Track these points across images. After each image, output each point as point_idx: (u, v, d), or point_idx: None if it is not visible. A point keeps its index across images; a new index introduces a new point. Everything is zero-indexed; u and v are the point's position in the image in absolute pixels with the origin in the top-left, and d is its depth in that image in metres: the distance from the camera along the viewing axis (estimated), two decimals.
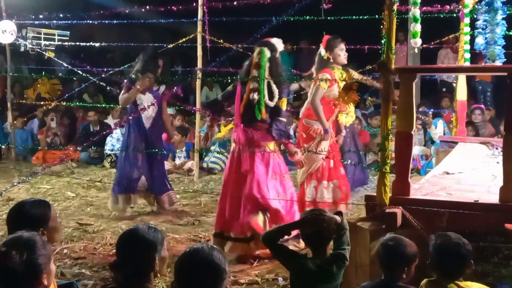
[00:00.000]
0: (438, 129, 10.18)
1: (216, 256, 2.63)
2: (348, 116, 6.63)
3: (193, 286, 2.60)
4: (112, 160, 10.49)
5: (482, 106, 10.93)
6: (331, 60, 6.46)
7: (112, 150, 10.62)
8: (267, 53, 5.66)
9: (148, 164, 7.28)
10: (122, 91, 7.20)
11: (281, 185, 5.75)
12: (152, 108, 7.08)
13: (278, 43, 5.78)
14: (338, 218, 3.53)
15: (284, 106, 5.73)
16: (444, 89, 12.38)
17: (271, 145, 5.74)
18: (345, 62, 6.57)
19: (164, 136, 11.18)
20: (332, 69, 6.44)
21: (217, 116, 6.18)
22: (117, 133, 10.58)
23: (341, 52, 6.48)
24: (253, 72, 5.66)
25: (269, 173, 5.66)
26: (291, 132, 8.75)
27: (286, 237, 5.20)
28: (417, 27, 4.86)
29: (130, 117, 7.11)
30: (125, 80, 7.25)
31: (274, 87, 5.63)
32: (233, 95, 5.92)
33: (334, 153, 6.58)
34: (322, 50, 6.48)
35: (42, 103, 10.59)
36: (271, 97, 5.61)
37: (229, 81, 5.88)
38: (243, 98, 5.71)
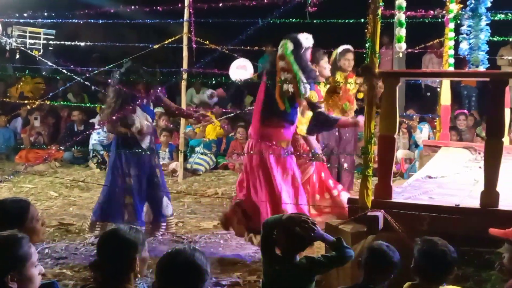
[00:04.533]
0: (423, 134, 10.24)
1: (198, 257, 2.63)
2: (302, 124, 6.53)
3: (174, 287, 2.60)
4: (99, 161, 10.44)
5: (466, 111, 10.99)
6: (317, 73, 6.19)
7: (95, 150, 10.58)
8: (290, 45, 5.56)
9: (142, 189, 6.39)
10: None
11: (292, 186, 5.69)
12: (147, 125, 6.37)
13: (304, 38, 5.65)
14: (329, 237, 3.51)
15: (315, 99, 5.73)
16: (428, 94, 12.45)
17: (284, 143, 5.69)
18: (329, 74, 6.48)
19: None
20: (318, 84, 6.30)
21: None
22: (101, 134, 10.56)
23: (326, 65, 6.38)
24: (279, 64, 5.56)
25: (278, 170, 5.62)
26: None
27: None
28: (402, 32, 4.90)
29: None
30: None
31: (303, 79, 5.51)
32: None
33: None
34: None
35: (26, 102, 10.54)
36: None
37: (213, 82, 5.86)
38: (266, 93, 5.67)
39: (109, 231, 3.02)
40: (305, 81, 5.48)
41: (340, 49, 7.00)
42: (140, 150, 6.32)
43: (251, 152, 5.67)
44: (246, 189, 5.80)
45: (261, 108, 5.71)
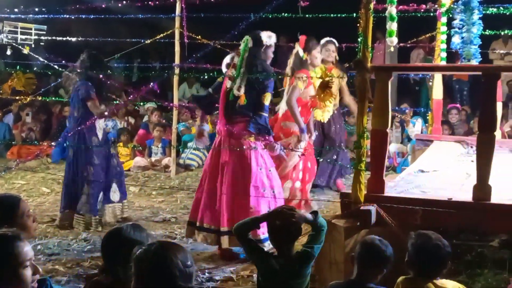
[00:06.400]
0: (416, 128, 10.25)
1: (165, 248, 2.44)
2: (325, 111, 6.58)
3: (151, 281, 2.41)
4: None
5: (458, 105, 11.00)
6: (308, 62, 6.44)
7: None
8: (249, 43, 5.54)
9: (100, 178, 6.68)
10: (95, 102, 6.65)
11: (267, 178, 5.62)
12: (102, 120, 6.80)
13: (266, 36, 5.63)
14: (309, 216, 3.52)
15: (267, 101, 5.60)
16: (417, 88, 12.49)
17: (252, 138, 5.59)
18: (320, 64, 6.57)
19: (141, 132, 11.19)
20: (309, 70, 6.40)
21: (209, 110, 5.94)
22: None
23: (318, 55, 6.48)
24: (234, 60, 5.61)
25: (252, 165, 5.51)
26: None
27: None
28: (393, 26, 4.88)
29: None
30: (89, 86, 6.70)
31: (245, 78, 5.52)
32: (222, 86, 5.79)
33: (310, 151, 6.59)
34: (300, 51, 6.39)
35: (17, 97, 10.48)
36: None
37: (206, 77, 5.84)
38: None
39: (112, 231, 2.94)
40: (239, 81, 5.48)
41: (323, 40, 7.35)
42: (98, 141, 6.74)
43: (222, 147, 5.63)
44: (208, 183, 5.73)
45: (223, 104, 5.67)
